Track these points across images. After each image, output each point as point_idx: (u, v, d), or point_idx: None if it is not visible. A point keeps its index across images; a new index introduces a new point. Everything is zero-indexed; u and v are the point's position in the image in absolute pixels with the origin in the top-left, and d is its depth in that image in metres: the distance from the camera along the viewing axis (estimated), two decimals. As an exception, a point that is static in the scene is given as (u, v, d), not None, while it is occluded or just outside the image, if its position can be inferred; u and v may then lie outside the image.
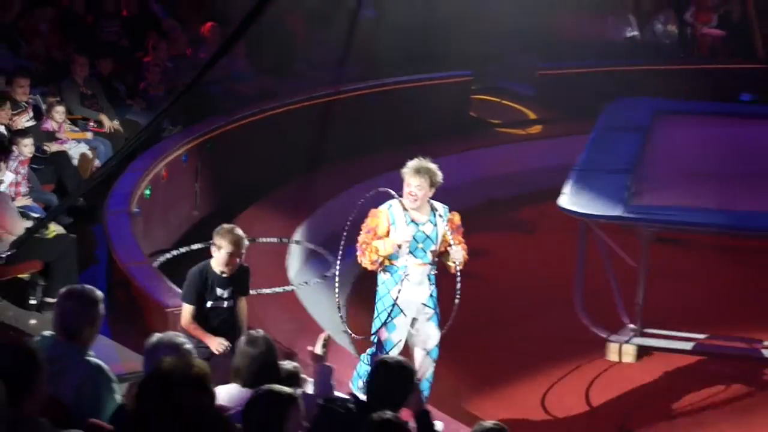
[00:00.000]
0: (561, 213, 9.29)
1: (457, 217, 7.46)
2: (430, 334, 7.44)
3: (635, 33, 16.19)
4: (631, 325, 9.56)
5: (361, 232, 7.39)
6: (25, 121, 10.60)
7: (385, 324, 7.35)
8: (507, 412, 8.13)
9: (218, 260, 6.98)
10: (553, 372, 9.11)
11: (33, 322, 8.36)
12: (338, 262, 7.70)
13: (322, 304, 10.00)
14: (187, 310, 6.95)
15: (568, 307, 9.44)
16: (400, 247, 7.24)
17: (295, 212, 11.34)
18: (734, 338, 9.59)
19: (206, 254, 9.78)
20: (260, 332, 5.74)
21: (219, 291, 7.01)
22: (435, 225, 7.32)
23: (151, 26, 13.35)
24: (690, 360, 9.41)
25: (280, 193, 11.88)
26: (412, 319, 7.41)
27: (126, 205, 9.54)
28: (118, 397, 5.22)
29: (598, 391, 8.92)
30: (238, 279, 7.09)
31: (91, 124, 11.45)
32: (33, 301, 8.68)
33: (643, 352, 9.45)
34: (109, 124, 11.50)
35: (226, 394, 5.44)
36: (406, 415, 5.27)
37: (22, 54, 12.05)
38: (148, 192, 10.12)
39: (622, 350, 9.41)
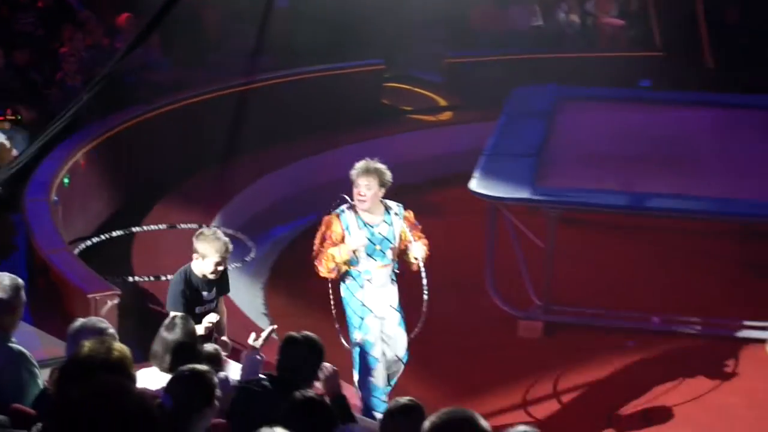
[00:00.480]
0: (472, 196, 9.36)
1: (411, 215, 7.39)
2: (399, 339, 7.41)
3: (540, 22, 16.33)
4: (539, 303, 9.70)
5: (315, 242, 7.30)
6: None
7: (359, 327, 7.31)
8: (423, 387, 8.17)
9: (202, 268, 6.71)
10: (467, 349, 9.20)
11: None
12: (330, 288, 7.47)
13: (241, 288, 9.98)
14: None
15: (480, 286, 9.53)
16: (355, 252, 7.18)
17: (213, 199, 11.28)
18: (634, 312, 9.77)
19: (126, 241, 9.80)
20: (179, 316, 5.70)
21: (205, 295, 6.80)
22: (390, 224, 7.24)
23: (66, 17, 13.13)
24: (595, 334, 9.58)
25: (198, 180, 11.80)
26: (381, 320, 7.37)
27: (45, 194, 9.39)
28: (41, 383, 5.17)
29: (509, 366, 9.05)
30: (220, 279, 6.87)
31: (8, 113, 11.23)
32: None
33: (550, 327, 9.59)
34: (26, 113, 11.29)
35: (146, 377, 5.41)
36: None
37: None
38: (66, 181, 9.97)
39: (531, 327, 9.54)
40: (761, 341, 9.44)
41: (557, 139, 10.75)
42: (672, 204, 9.23)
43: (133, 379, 4.45)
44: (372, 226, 7.22)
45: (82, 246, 9.33)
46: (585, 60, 15.28)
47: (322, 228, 7.28)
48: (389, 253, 7.27)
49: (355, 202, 7.21)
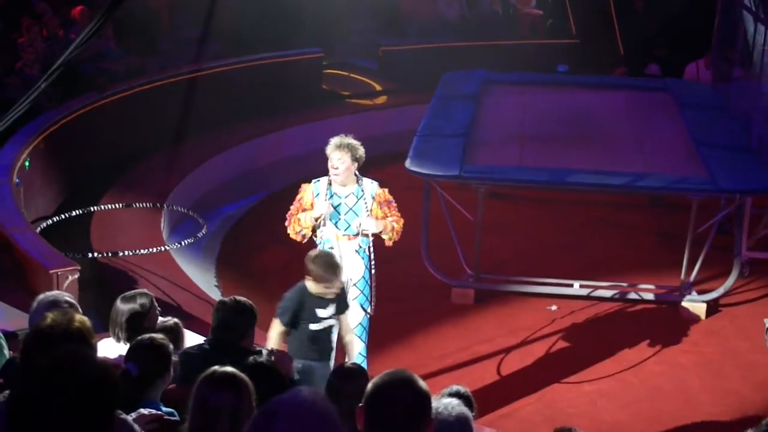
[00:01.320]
0: (406, 173, 9.35)
1: (384, 193, 7.17)
2: (353, 315, 7.18)
3: (465, 13, 16.35)
4: (470, 272, 9.74)
5: (292, 205, 7.24)
6: None
7: None
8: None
9: (317, 288, 6.36)
10: (405, 315, 9.18)
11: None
12: None
13: (195, 262, 9.91)
14: (277, 327, 6.40)
15: (417, 257, 9.53)
16: (318, 219, 7.07)
17: (165, 179, 11.16)
18: (557, 279, 9.84)
19: (85, 219, 9.65)
20: (142, 291, 5.62)
21: (320, 312, 6.42)
22: (359, 198, 7.09)
23: (24, 10, 12.87)
24: (521, 299, 9.64)
25: (151, 162, 11.67)
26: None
27: (7, 176, 9.21)
28: (7, 352, 5.08)
29: (444, 331, 9.06)
30: (338, 297, 6.52)
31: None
32: None
33: (481, 294, 9.63)
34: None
35: (104, 347, 5.34)
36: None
37: None
38: (27, 163, 9.79)
39: (463, 294, 9.58)
40: (674, 303, 9.57)
41: (484, 120, 10.76)
42: (589, 179, 9.29)
43: (93, 348, 4.38)
44: (340, 197, 7.12)
45: (44, 225, 9.17)
46: (508, 47, 15.35)
47: (298, 193, 7.22)
48: (354, 226, 7.14)
49: (330, 176, 7.10)
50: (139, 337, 4.67)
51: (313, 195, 7.15)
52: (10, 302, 7.36)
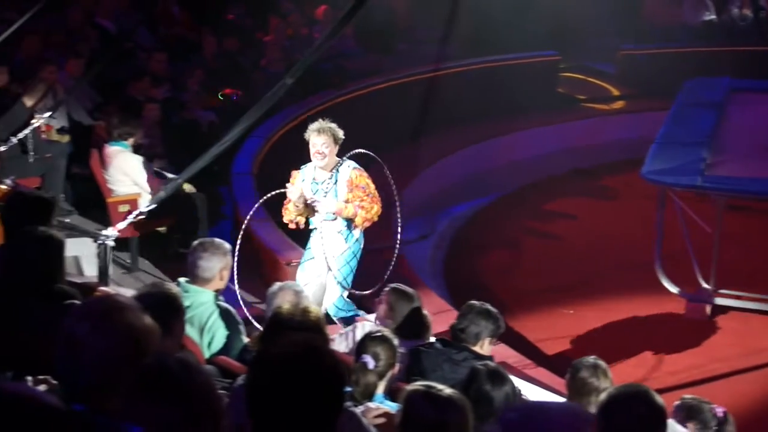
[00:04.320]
0: (641, 181, 9.11)
1: (357, 177, 7.06)
2: (329, 292, 7.17)
3: (712, 16, 15.76)
4: (707, 286, 9.36)
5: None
6: (164, 92, 10.65)
7: (300, 265, 7.26)
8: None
9: None
10: (634, 327, 8.96)
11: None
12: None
13: (423, 259, 10.01)
14: None
15: (648, 268, 9.25)
16: (297, 206, 7.05)
17: (397, 178, 11.30)
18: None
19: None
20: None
21: None
22: (335, 183, 7.05)
23: (271, 9, 13.40)
24: (761, 319, 9.19)
25: (385, 160, 11.84)
26: (321, 268, 7.14)
27: (249, 168, 9.60)
28: (244, 338, 5.29)
29: (676, 346, 8.75)
30: None
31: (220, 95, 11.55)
32: (170, 251, 8.79)
33: (717, 311, 9.25)
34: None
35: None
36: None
37: (161, 35, 12.17)
38: (266, 155, 10.15)
39: (697, 309, 9.22)
40: None
41: (728, 129, 10.34)
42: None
43: (326, 338, 4.50)
44: (318, 183, 7.08)
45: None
46: (757, 53, 14.66)
47: (289, 180, 7.20)
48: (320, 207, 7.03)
49: (313, 160, 7.03)
50: (369, 331, 4.77)
51: (300, 180, 7.10)
52: (247, 290, 7.67)
